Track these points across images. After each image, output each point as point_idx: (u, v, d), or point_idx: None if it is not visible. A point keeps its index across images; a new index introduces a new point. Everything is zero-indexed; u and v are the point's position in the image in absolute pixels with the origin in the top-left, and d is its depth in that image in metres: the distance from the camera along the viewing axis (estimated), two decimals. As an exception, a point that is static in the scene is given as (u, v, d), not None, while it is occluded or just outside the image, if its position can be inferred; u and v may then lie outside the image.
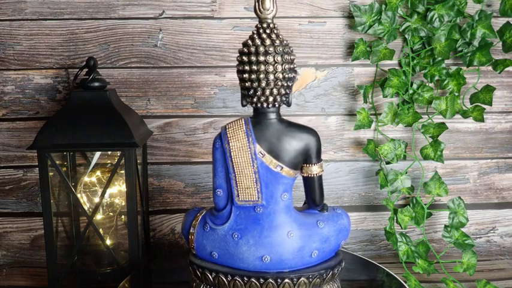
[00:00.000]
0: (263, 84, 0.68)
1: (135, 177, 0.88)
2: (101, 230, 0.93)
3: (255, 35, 0.69)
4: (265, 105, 0.70)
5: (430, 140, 1.03)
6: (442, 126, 1.02)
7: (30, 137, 1.06)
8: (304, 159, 0.71)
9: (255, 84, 0.68)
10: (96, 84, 0.90)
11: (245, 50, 0.69)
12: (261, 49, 0.67)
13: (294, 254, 0.70)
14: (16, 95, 1.06)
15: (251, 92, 0.69)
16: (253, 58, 0.68)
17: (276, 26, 0.70)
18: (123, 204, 0.94)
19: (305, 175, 0.73)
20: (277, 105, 0.71)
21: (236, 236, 0.71)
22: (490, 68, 1.07)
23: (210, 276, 0.72)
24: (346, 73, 1.08)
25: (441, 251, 1.09)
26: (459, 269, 0.98)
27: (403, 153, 1.04)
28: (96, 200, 0.92)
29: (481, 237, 1.15)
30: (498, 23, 1.04)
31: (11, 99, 1.06)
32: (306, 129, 0.72)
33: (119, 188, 0.95)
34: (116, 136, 0.85)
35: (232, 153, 0.70)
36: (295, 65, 0.70)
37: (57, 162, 0.87)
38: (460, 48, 1.03)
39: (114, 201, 0.95)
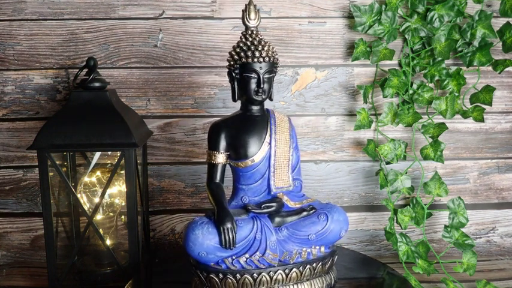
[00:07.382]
0: None
1: (135, 177, 0.88)
2: (101, 230, 0.93)
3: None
4: None
5: (430, 140, 1.03)
6: (442, 127, 1.02)
7: (30, 137, 1.06)
8: None
9: None
10: (96, 84, 0.89)
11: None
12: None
13: None
14: (16, 95, 1.06)
15: None
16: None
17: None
18: (123, 204, 0.94)
19: None
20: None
21: None
22: (490, 68, 1.07)
23: None
24: (346, 73, 1.08)
25: (441, 251, 1.09)
26: (459, 269, 0.98)
27: (403, 154, 1.04)
28: (96, 200, 0.92)
29: (481, 238, 1.15)
30: (498, 23, 1.04)
31: (11, 99, 1.06)
32: None
33: (119, 188, 0.95)
34: (116, 136, 0.85)
35: None
36: (228, 66, 0.78)
37: (57, 162, 0.87)
38: (460, 48, 1.03)
39: (114, 201, 0.95)
